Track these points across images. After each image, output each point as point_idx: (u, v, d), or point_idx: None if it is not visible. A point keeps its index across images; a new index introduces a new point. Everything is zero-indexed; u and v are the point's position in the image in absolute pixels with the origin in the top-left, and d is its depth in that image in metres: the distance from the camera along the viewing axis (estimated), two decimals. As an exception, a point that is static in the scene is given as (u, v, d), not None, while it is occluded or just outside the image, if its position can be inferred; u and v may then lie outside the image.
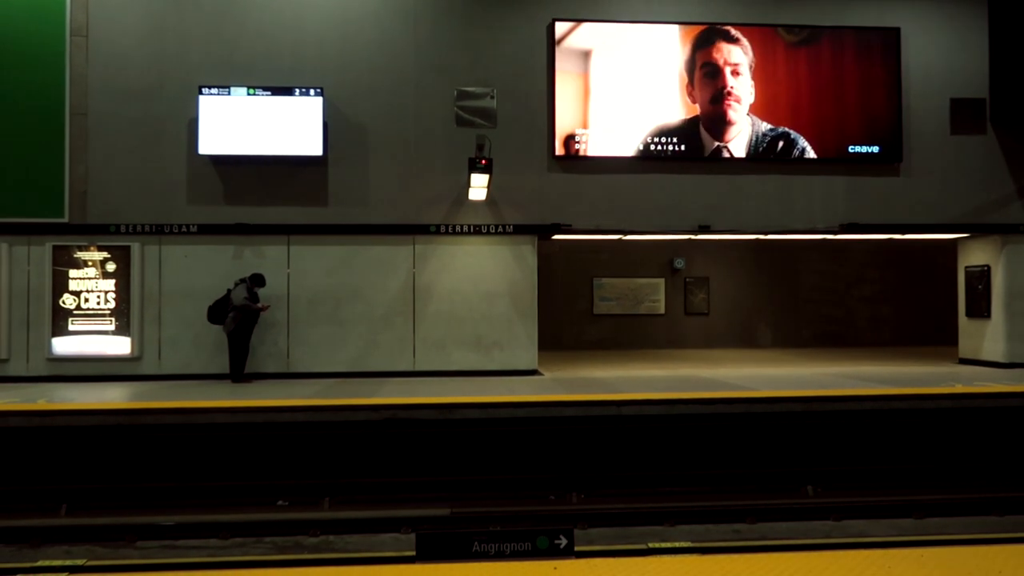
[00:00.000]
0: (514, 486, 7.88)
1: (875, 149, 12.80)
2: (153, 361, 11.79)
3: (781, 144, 12.63)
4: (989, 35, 13.04)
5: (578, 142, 12.32)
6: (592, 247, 16.72)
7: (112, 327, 11.73)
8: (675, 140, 12.48)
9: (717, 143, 12.54)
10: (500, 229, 12.23)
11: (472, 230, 12.20)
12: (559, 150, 12.29)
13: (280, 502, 7.53)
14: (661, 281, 17.53)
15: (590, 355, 15.75)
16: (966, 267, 13.94)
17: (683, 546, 5.89)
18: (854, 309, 18.14)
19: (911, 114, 12.91)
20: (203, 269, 11.80)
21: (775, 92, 12.68)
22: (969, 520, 6.93)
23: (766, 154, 12.61)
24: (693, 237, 13.76)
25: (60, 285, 11.70)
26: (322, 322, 11.96)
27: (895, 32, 12.85)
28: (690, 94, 12.57)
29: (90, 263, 11.78)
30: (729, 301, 17.75)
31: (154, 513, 6.96)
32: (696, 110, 12.55)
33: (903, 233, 13.37)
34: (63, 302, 11.69)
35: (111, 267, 11.78)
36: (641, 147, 12.43)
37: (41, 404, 9.03)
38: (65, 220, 11.73)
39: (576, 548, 4.13)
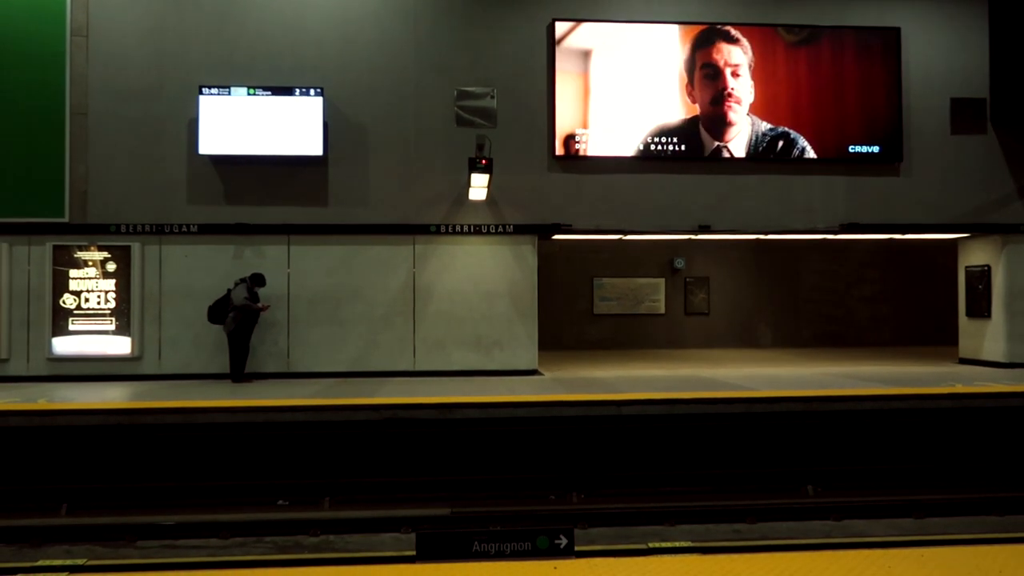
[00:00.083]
0: (514, 486, 7.89)
1: (875, 149, 12.80)
2: (153, 361, 11.79)
3: (781, 144, 12.63)
4: (989, 35, 13.04)
5: (578, 142, 12.32)
6: (592, 247, 16.72)
7: (112, 327, 11.73)
8: (675, 140, 12.48)
9: (717, 143, 12.54)
10: (500, 229, 12.23)
11: (472, 230, 12.20)
12: (559, 150, 12.29)
13: (280, 502, 7.53)
14: (661, 281, 17.52)
15: (590, 355, 15.75)
16: (966, 267, 13.94)
17: (684, 546, 5.89)
18: (854, 309, 18.14)
19: (911, 114, 12.91)
20: (203, 269, 11.80)
21: (775, 92, 12.68)
22: (969, 520, 6.94)
23: (766, 154, 12.61)
24: (693, 237, 13.76)
25: (60, 285, 11.70)
26: (322, 322, 11.96)
27: (895, 32, 12.84)
28: (690, 94, 12.57)
29: (90, 263, 11.78)
30: (729, 301, 17.75)
31: (154, 513, 6.97)
32: (696, 110, 12.55)
33: (903, 233, 13.37)
34: (63, 302, 11.69)
35: (111, 267, 11.78)
36: (641, 147, 12.43)
37: (41, 404, 9.04)
38: (65, 220, 11.73)
39: (576, 548, 4.13)
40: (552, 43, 12.34)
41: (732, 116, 12.56)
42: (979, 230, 13.23)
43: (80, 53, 11.84)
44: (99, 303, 11.75)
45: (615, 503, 7.27)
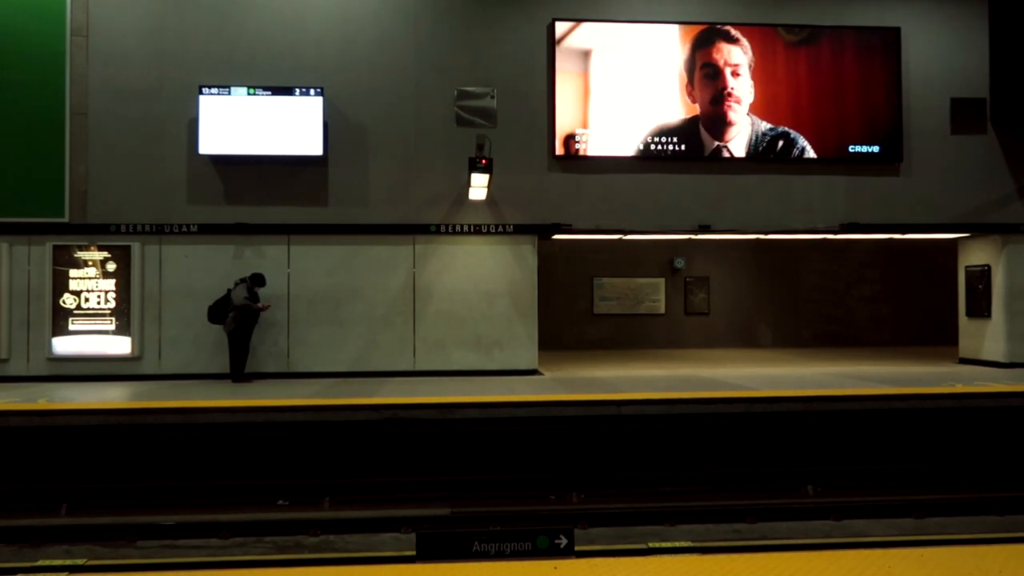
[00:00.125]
0: (514, 486, 7.89)
1: (875, 149, 12.80)
2: (153, 361, 11.80)
3: (781, 144, 12.63)
4: (989, 35, 13.04)
5: (578, 142, 12.32)
6: (592, 247, 16.72)
7: (112, 327, 11.73)
8: (675, 140, 12.48)
9: (717, 143, 12.54)
10: (500, 229, 12.23)
11: (472, 230, 12.20)
12: (559, 150, 12.29)
13: (280, 502, 7.53)
14: (661, 281, 17.53)
15: (590, 355, 15.75)
16: (966, 267, 13.94)
17: (683, 546, 5.89)
18: (854, 309, 18.14)
19: (911, 114, 12.91)
20: (203, 269, 11.80)
21: (775, 92, 12.68)
22: (969, 520, 6.94)
23: (766, 154, 12.61)
24: (693, 237, 13.76)
25: (60, 285, 11.70)
26: (322, 322, 11.96)
27: (895, 32, 12.84)
28: (690, 94, 12.57)
29: (90, 263, 11.78)
30: (729, 301, 17.76)
31: (154, 513, 6.97)
32: (696, 110, 12.55)
33: (903, 233, 13.37)
34: (63, 302, 11.69)
35: (111, 267, 11.78)
36: (641, 147, 12.43)
37: (41, 404, 9.04)
38: (65, 220, 11.73)
39: (576, 548, 4.13)
40: (552, 43, 12.34)
41: (732, 116, 12.56)
42: (979, 230, 13.23)
43: (80, 53, 11.84)
44: (99, 303, 11.75)
45: (615, 503, 7.27)
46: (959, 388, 9.84)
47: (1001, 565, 3.79)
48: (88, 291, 11.75)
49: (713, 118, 12.56)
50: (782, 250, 17.13)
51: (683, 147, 12.49)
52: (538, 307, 12.41)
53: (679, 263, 17.41)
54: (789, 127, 12.64)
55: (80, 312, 11.70)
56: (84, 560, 5.82)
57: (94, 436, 8.42)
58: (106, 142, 11.84)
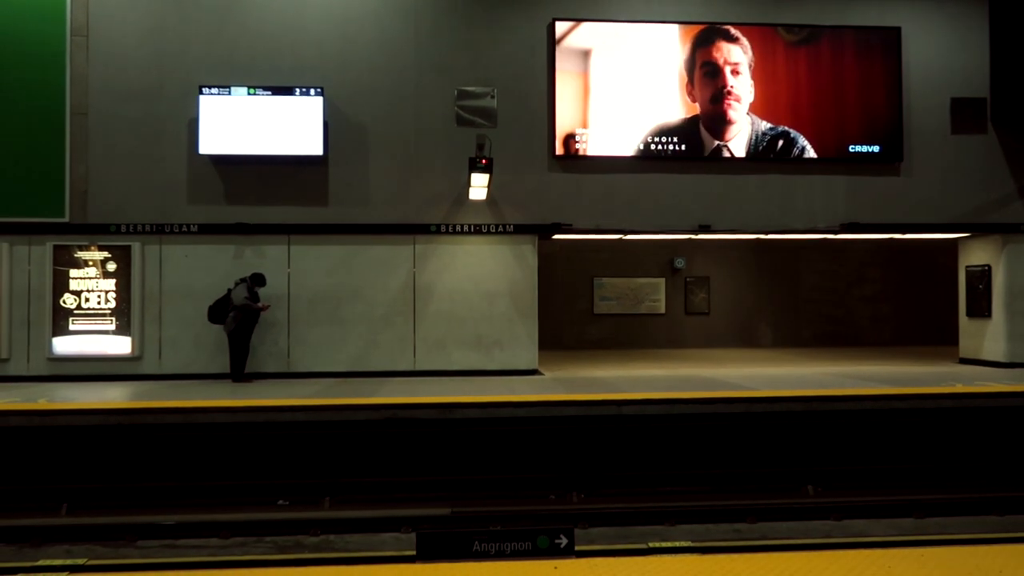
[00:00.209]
0: (514, 486, 7.89)
1: (875, 148, 12.79)
2: (153, 361, 11.80)
3: (781, 143, 12.63)
4: (990, 35, 13.04)
5: (578, 141, 12.32)
6: (592, 247, 16.72)
7: (113, 327, 11.74)
8: (675, 139, 12.48)
9: (717, 142, 12.54)
10: (500, 229, 12.23)
11: (472, 230, 12.20)
12: (559, 150, 12.29)
13: (281, 502, 7.53)
14: (661, 281, 17.53)
15: (590, 355, 15.75)
16: (967, 267, 13.94)
17: (683, 546, 5.89)
18: (854, 309, 18.14)
19: (912, 113, 12.90)
20: (203, 269, 11.81)
21: (775, 91, 12.67)
22: (969, 520, 6.94)
23: (766, 153, 12.61)
24: (693, 237, 13.75)
25: (61, 285, 11.70)
26: (322, 322, 11.96)
27: (895, 32, 12.84)
28: (690, 93, 12.57)
29: (91, 263, 11.78)
30: (729, 301, 17.75)
31: (154, 513, 6.97)
32: (696, 109, 12.55)
33: (904, 233, 13.36)
34: (64, 302, 11.69)
35: (111, 267, 11.78)
36: (641, 146, 12.43)
37: (42, 404, 9.04)
38: (66, 220, 11.73)
39: (576, 548, 4.13)
40: (552, 43, 12.34)
41: (732, 114, 12.56)
42: (979, 230, 13.23)
43: (80, 53, 11.84)
44: (99, 303, 11.75)
45: (615, 503, 7.27)
46: (959, 388, 9.84)
47: (1001, 565, 3.79)
48: (88, 291, 11.75)
49: (713, 117, 12.56)
50: (782, 250, 17.13)
51: (683, 147, 12.49)
52: (538, 307, 12.41)
53: (679, 263, 17.41)
54: (789, 127, 12.64)
55: (80, 312, 11.71)
56: (84, 560, 5.82)
57: (94, 436, 8.42)
58: (106, 142, 11.84)
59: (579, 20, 12.39)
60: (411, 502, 7.34)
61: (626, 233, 12.92)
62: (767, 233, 13.16)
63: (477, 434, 8.67)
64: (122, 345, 11.73)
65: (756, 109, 12.59)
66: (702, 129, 12.54)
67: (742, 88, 12.59)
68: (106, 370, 11.69)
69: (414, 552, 4.02)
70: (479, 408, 8.80)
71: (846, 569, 3.76)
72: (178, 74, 11.91)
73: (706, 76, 12.58)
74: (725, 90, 12.57)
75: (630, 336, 17.33)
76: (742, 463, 8.63)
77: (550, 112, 12.31)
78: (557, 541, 4.04)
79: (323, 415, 8.65)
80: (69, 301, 11.71)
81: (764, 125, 12.60)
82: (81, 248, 11.77)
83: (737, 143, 12.56)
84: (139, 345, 11.74)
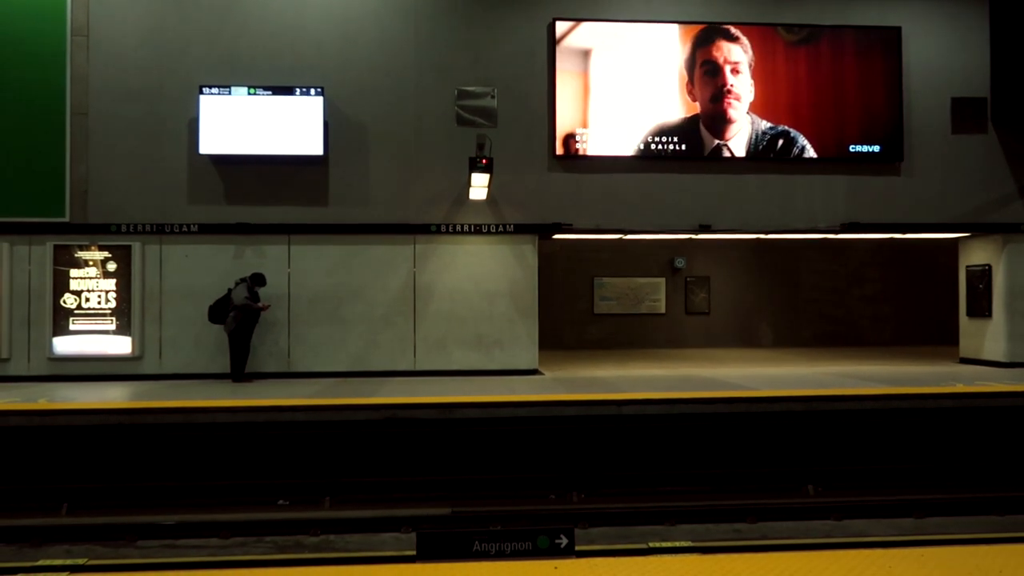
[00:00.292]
0: (515, 485, 7.88)
1: (876, 148, 12.79)
2: (154, 361, 11.80)
3: (781, 142, 12.62)
4: (990, 34, 13.04)
5: (578, 141, 12.32)
6: (593, 246, 16.72)
7: (113, 327, 11.74)
8: (675, 139, 12.48)
9: (717, 141, 12.54)
10: (501, 228, 12.23)
11: (473, 229, 12.20)
12: (559, 149, 12.28)
13: (281, 501, 7.53)
14: (662, 280, 17.53)
15: (591, 354, 15.75)
16: (967, 266, 13.93)
17: (684, 545, 5.89)
18: (855, 308, 18.14)
19: (912, 113, 12.90)
20: (204, 269, 11.81)
21: (775, 91, 12.67)
22: (969, 520, 6.93)
23: (766, 152, 12.60)
24: (694, 236, 13.75)
25: (61, 284, 11.70)
26: (323, 322, 11.96)
27: (896, 31, 12.84)
28: (690, 92, 12.56)
29: (91, 262, 11.79)
30: (730, 300, 17.75)
31: (155, 512, 6.97)
32: (696, 108, 12.54)
33: (904, 232, 13.36)
34: (64, 301, 11.70)
35: (112, 266, 11.79)
36: (641, 146, 12.43)
37: (42, 403, 9.04)
38: (66, 220, 11.74)
39: (577, 548, 4.13)
40: (552, 42, 12.34)
41: (732, 113, 12.56)
42: (980, 230, 13.23)
43: (81, 53, 11.84)
44: (100, 303, 11.75)
45: (615, 503, 7.27)
46: (959, 388, 9.84)
47: (1001, 565, 3.79)
48: (89, 291, 11.75)
49: (713, 116, 12.56)
50: (783, 250, 17.13)
51: (683, 146, 12.49)
52: (538, 307, 12.41)
53: (679, 263, 17.41)
54: (789, 126, 12.64)
55: (81, 312, 11.71)
56: (85, 560, 5.82)
57: (94, 436, 8.42)
58: (107, 142, 11.84)
59: (579, 20, 12.39)
60: (411, 502, 7.34)
61: (626, 233, 12.92)
62: (767, 233, 13.16)
63: (477, 434, 8.67)
64: (122, 345, 11.73)
65: (756, 109, 12.59)
66: (702, 128, 12.54)
67: (742, 87, 12.58)
68: (106, 370, 11.69)
69: (414, 552, 4.02)
70: (479, 408, 8.80)
71: (846, 569, 3.76)
72: (178, 74, 11.92)
73: (706, 75, 12.58)
74: (725, 89, 12.56)
75: (630, 336, 17.33)
76: (742, 463, 8.63)
77: (550, 112, 12.31)
78: (557, 541, 4.04)
79: (323, 415, 8.66)
80: (69, 301, 11.71)
81: (764, 124, 12.60)
82: (81, 248, 11.77)
83: (737, 142, 12.55)
84: (139, 345, 11.74)
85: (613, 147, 12.38)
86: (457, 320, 12.16)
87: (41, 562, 5.64)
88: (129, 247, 11.78)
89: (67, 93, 11.78)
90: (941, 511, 7.07)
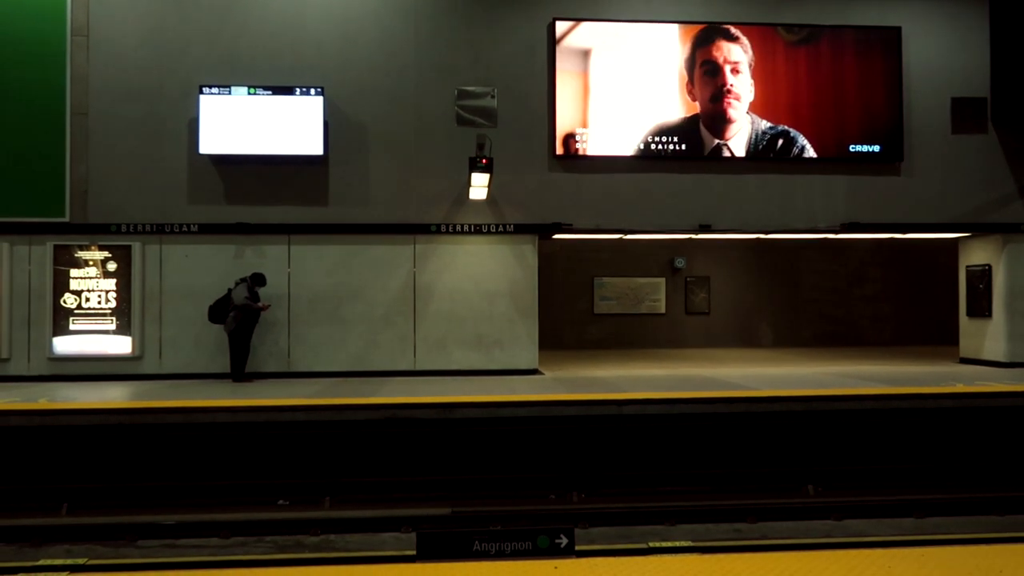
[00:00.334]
0: (515, 485, 7.89)
1: (876, 148, 12.79)
2: (154, 360, 11.80)
3: (781, 142, 12.62)
4: (990, 34, 13.04)
5: (578, 141, 12.32)
6: (593, 246, 16.72)
7: (113, 326, 11.74)
8: (675, 139, 12.48)
9: (717, 141, 12.54)
10: (501, 228, 12.23)
11: (473, 229, 12.20)
12: (559, 149, 12.28)
13: (281, 501, 7.53)
14: (662, 280, 17.53)
15: (591, 354, 15.75)
16: (967, 266, 13.93)
17: (684, 545, 5.89)
18: (855, 308, 18.14)
19: (912, 113, 12.90)
20: (204, 268, 11.81)
21: (775, 91, 12.67)
22: (969, 520, 6.93)
23: (766, 152, 12.60)
24: (694, 236, 13.75)
25: (61, 284, 11.70)
26: (323, 321, 11.96)
27: (896, 31, 12.84)
28: (690, 92, 12.56)
29: (91, 262, 11.79)
30: (730, 300, 17.76)
31: (155, 512, 6.97)
32: (696, 108, 12.54)
33: (904, 232, 13.36)
34: (64, 301, 11.70)
35: (112, 266, 11.79)
36: (641, 146, 12.43)
37: (42, 403, 9.04)
38: (66, 220, 11.74)
39: (577, 547, 4.13)
40: (552, 42, 12.34)
41: (732, 113, 12.56)
42: (980, 229, 13.23)
43: (81, 53, 11.84)
44: (100, 303, 11.75)
45: (615, 503, 7.27)
46: (959, 388, 9.84)
47: (1001, 565, 3.79)
48: (89, 291, 11.75)
49: (713, 116, 12.56)
50: (783, 249, 17.13)
51: (683, 146, 12.49)
52: (538, 307, 12.41)
53: (679, 263, 17.41)
54: (789, 126, 12.64)
55: (81, 312, 11.71)
56: (85, 559, 5.82)
57: (95, 436, 8.43)
58: (107, 142, 11.84)
59: (579, 20, 12.39)
60: (411, 502, 7.34)
61: (626, 233, 12.92)
62: (767, 233, 13.16)
63: (477, 434, 8.67)
64: (122, 345, 11.73)
65: (756, 108, 12.59)
66: (702, 128, 12.54)
67: (742, 87, 12.59)
68: (106, 370, 11.70)
69: (414, 552, 4.02)
70: (479, 408, 8.81)
71: (846, 569, 3.76)
72: (178, 74, 11.92)
73: (706, 75, 12.58)
74: (725, 88, 12.57)
75: (630, 336, 17.33)
76: (742, 463, 8.63)
77: (550, 112, 12.31)
78: (557, 541, 4.04)
79: (323, 415, 8.66)
80: (69, 301, 11.71)
81: (764, 124, 12.60)
82: (81, 248, 11.78)
83: (737, 142, 12.55)
84: (139, 345, 11.74)
85: (613, 147, 12.38)
86: (457, 320, 12.16)
87: (41, 562, 5.64)
88: (129, 247, 11.78)
89: (67, 93, 11.78)
90: (941, 511, 7.07)
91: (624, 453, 8.70)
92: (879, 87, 12.83)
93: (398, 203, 12.15)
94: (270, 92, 11.72)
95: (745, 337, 17.69)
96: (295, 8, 12.11)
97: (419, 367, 12.06)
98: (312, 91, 11.76)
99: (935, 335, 17.77)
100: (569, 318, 17.20)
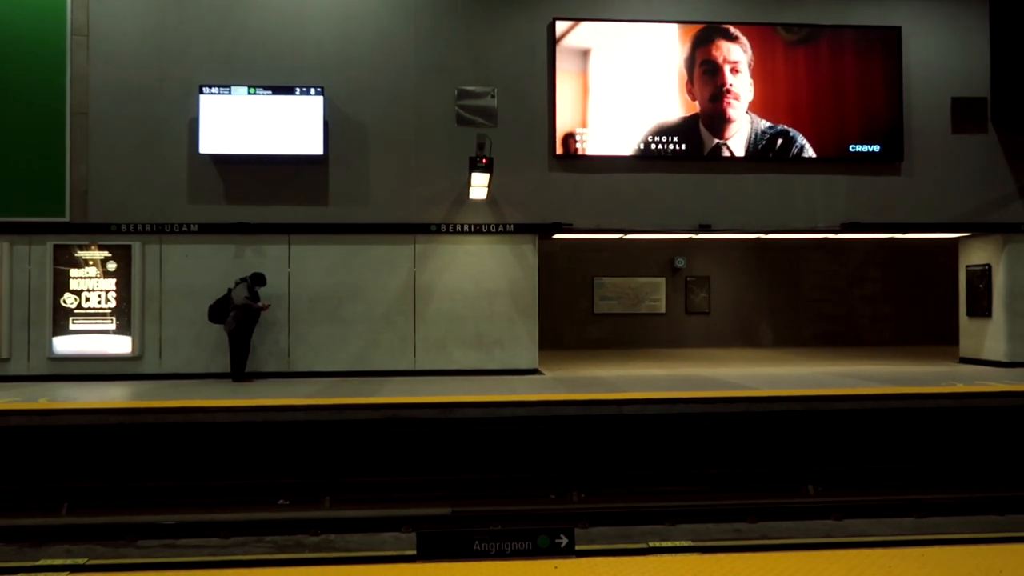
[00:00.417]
0: (515, 485, 7.89)
1: (876, 148, 12.79)
2: (154, 360, 11.80)
3: (780, 142, 12.62)
4: (990, 34, 13.04)
5: (578, 141, 12.32)
6: (593, 246, 16.72)
7: (113, 326, 11.74)
8: (675, 138, 12.47)
9: (717, 140, 12.54)
10: (501, 228, 12.23)
11: (473, 229, 12.20)
12: (559, 149, 12.28)
13: (281, 501, 7.53)
14: (662, 280, 17.53)
15: (591, 354, 15.75)
16: (967, 266, 13.94)
17: (684, 545, 5.89)
18: (855, 308, 18.14)
19: (912, 113, 12.90)
20: (204, 268, 11.81)
21: (774, 91, 12.67)
22: (969, 520, 6.93)
23: (765, 152, 12.60)
24: (694, 236, 13.75)
25: (61, 284, 11.70)
26: (323, 321, 11.96)
27: (896, 31, 12.83)
28: (689, 92, 12.56)
29: (91, 262, 11.79)
30: (730, 300, 17.75)
31: (155, 512, 6.97)
32: (696, 108, 12.54)
33: (904, 232, 13.36)
34: (64, 301, 11.70)
35: (112, 266, 11.79)
36: (641, 146, 12.43)
37: (42, 403, 9.04)
38: (66, 219, 11.74)
39: (577, 547, 4.13)
40: (552, 42, 12.34)
41: (731, 113, 12.55)
42: (980, 229, 13.23)
43: (81, 52, 11.84)
44: (100, 302, 11.75)
45: (616, 502, 7.27)
46: (959, 388, 9.84)
47: (1001, 565, 3.79)
48: (89, 290, 11.75)
49: (713, 115, 12.56)
50: (783, 249, 17.13)
51: (683, 146, 12.49)
52: (538, 306, 12.40)
53: (679, 262, 17.41)
54: (788, 125, 12.63)
55: (81, 311, 11.71)
56: (85, 559, 5.82)
57: (95, 436, 8.42)
58: (107, 141, 11.84)
59: (579, 20, 12.38)
60: (411, 502, 7.34)
61: (626, 232, 12.92)
62: (767, 233, 13.16)
63: (477, 434, 8.67)
64: (122, 344, 11.73)
65: (755, 108, 12.59)
66: (702, 127, 12.54)
67: (741, 86, 12.58)
68: (106, 369, 11.69)
69: (414, 552, 4.02)
70: (479, 408, 8.81)
71: (846, 569, 3.76)
72: (178, 73, 11.92)
73: (705, 74, 12.58)
74: (724, 88, 12.56)
75: (630, 336, 17.33)
76: (742, 463, 8.63)
77: (550, 111, 12.31)
78: (557, 541, 4.04)
79: (323, 415, 8.66)
80: (69, 300, 11.71)
81: (763, 124, 12.60)
82: (81, 248, 11.77)
83: (736, 141, 12.55)
84: (139, 344, 11.74)
85: (613, 147, 12.38)
86: (457, 320, 12.16)
87: (42, 561, 5.64)
88: (129, 247, 11.78)
89: (67, 93, 11.78)
90: (941, 511, 7.07)
91: (624, 453, 8.70)
92: (879, 87, 12.83)
93: (398, 203, 12.15)
94: (270, 92, 11.72)
95: (745, 337, 17.69)
96: (295, 8, 12.11)
97: (419, 367, 12.06)
98: (312, 91, 11.76)
99: (935, 335, 17.77)
100: (569, 318, 17.20)
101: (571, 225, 12.28)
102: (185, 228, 11.83)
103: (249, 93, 11.70)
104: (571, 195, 12.36)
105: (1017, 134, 13.00)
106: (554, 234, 12.60)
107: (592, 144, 12.33)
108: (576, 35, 12.38)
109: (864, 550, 4.25)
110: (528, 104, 12.31)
